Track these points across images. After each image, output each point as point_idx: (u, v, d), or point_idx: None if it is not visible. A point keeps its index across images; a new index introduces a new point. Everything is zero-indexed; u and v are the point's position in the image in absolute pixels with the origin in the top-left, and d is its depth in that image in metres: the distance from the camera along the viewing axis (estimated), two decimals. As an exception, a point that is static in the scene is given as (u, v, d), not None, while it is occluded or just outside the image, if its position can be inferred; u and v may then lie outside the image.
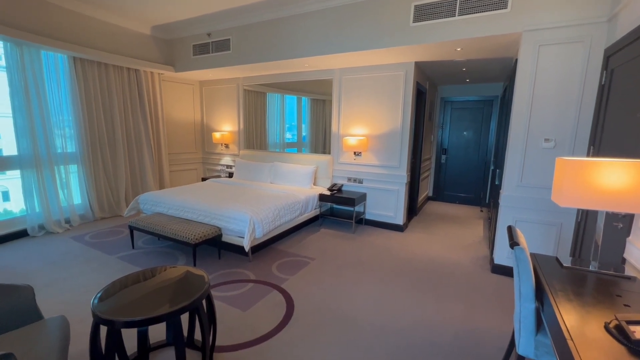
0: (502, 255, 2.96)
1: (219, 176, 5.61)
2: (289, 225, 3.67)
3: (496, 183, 3.39)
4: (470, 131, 5.71)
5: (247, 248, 2.90)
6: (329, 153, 4.58)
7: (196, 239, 2.86)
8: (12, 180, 3.79)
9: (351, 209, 4.08)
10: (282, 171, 4.59)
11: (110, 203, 4.56)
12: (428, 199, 6.14)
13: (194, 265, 2.95)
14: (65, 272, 2.84)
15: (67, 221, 4.09)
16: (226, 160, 5.70)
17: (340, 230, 4.15)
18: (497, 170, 3.35)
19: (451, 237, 3.99)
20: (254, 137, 5.41)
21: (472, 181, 5.78)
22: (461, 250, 3.57)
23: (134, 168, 4.83)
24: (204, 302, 1.69)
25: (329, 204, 4.52)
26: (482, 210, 5.41)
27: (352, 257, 3.29)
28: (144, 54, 4.65)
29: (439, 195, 6.12)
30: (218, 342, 1.96)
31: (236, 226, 3.04)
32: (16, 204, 3.81)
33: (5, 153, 3.72)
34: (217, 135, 5.45)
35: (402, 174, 4.03)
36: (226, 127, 5.60)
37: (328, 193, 4.19)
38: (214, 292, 2.55)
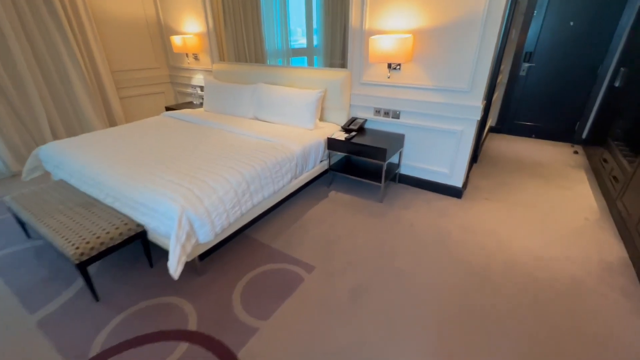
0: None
1: (191, 102, 4.00)
2: (271, 201, 2.19)
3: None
4: (578, 20, 3.47)
5: (174, 272, 1.51)
6: (347, 67, 2.76)
7: (83, 251, 1.50)
8: None
9: (380, 163, 2.47)
10: (270, 99, 2.89)
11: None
12: (490, 130, 4.32)
13: (93, 293, 1.65)
14: None
15: (-33, 181, 2.86)
16: (198, 79, 3.97)
17: (361, 196, 2.67)
18: None
19: (541, 211, 2.42)
20: (243, 41, 3.53)
21: (564, 105, 3.81)
22: (568, 243, 2.04)
23: (59, 95, 3.29)
24: None
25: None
26: (576, 152, 3.61)
27: (380, 259, 1.89)
28: None
29: (504, 125, 4.26)
30: None
31: (161, 224, 1.62)
32: None
33: None
34: (176, 40, 3.61)
35: (475, 104, 2.26)
36: (190, 27, 3.70)
37: (342, 137, 2.55)
38: (105, 373, 1.30)
